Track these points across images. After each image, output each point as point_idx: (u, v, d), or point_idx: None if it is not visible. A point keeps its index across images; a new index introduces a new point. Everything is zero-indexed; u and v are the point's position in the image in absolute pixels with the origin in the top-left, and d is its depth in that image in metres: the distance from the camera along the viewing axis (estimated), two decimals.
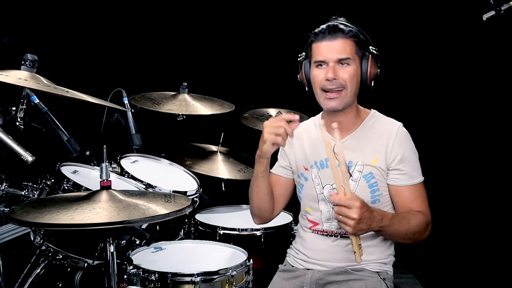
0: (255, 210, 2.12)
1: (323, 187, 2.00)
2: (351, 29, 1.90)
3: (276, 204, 2.13)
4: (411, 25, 3.64)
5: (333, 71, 1.87)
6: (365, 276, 1.94)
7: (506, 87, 3.34)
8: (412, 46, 3.68)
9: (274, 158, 2.17)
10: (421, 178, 1.95)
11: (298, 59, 2.03)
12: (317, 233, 2.02)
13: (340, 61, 1.88)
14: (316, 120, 2.12)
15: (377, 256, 1.98)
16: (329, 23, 1.92)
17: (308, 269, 2.02)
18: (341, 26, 1.90)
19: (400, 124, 1.97)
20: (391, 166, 1.92)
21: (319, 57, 1.90)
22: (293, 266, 2.09)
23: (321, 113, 2.11)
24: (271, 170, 2.18)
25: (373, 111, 2.04)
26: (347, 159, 1.95)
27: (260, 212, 2.12)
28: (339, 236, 1.98)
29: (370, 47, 1.94)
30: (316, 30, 1.93)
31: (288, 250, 2.17)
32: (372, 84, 1.96)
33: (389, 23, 3.67)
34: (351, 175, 1.95)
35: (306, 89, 2.02)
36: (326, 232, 2.00)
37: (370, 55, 1.92)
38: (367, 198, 1.91)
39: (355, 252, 1.74)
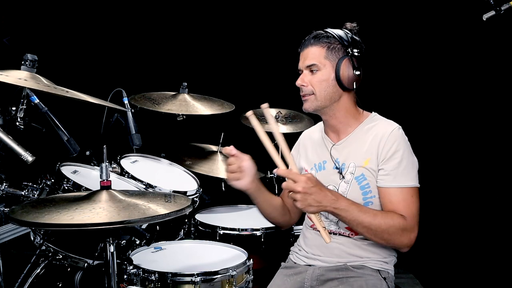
0: (273, 223, 2.24)
1: None
2: (324, 35, 1.97)
3: (296, 210, 2.18)
4: (411, 25, 3.64)
5: (301, 78, 2.00)
6: (366, 274, 1.95)
7: (506, 87, 3.34)
8: (412, 46, 3.68)
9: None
10: (411, 184, 1.90)
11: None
12: (318, 231, 2.01)
13: (310, 68, 1.98)
14: (321, 124, 2.17)
15: (378, 254, 1.99)
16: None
17: (310, 265, 2.04)
18: (316, 35, 1.99)
19: (397, 125, 1.97)
20: (379, 166, 1.92)
21: (298, 64, 2.03)
22: (295, 263, 2.10)
23: None
24: None
25: (373, 114, 2.06)
26: (340, 161, 1.99)
27: (278, 223, 2.23)
28: (338, 234, 2.00)
29: (350, 49, 1.96)
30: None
31: (292, 248, 2.20)
32: (355, 86, 1.97)
33: (389, 24, 3.67)
34: (343, 177, 1.97)
35: None
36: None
37: (345, 58, 1.95)
38: (359, 200, 1.93)
39: (319, 231, 1.80)
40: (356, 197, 1.92)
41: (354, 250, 1.98)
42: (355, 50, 1.96)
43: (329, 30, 1.99)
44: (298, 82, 1.99)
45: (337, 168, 1.99)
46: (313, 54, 1.97)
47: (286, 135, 2.54)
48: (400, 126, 1.97)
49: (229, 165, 1.96)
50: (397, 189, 1.89)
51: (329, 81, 1.96)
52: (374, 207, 1.93)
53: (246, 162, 1.97)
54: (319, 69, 1.96)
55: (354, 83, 1.97)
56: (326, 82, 1.96)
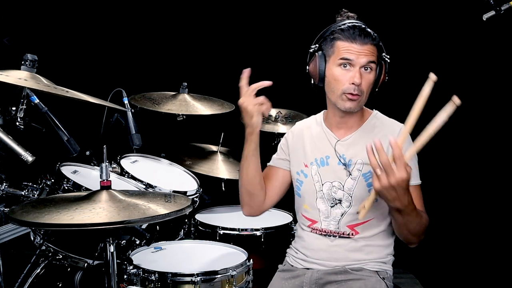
0: (245, 196, 2.08)
1: (322, 185, 1.99)
2: (375, 35, 1.90)
3: (270, 195, 2.11)
4: (410, 25, 3.65)
5: (360, 76, 1.86)
6: (365, 276, 1.94)
7: (506, 87, 3.34)
8: (411, 45, 3.68)
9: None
10: (419, 181, 1.94)
11: (310, 50, 1.98)
12: (316, 232, 2.02)
13: (366, 67, 1.88)
14: (318, 118, 2.12)
15: (376, 255, 1.98)
16: (356, 24, 1.90)
17: (308, 269, 2.02)
18: (369, 30, 1.89)
19: (402, 125, 1.96)
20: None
21: (349, 56, 1.87)
22: (292, 266, 2.09)
23: (322, 111, 2.11)
24: (269, 163, 2.18)
25: (375, 111, 2.05)
26: (347, 158, 1.97)
27: (250, 198, 2.08)
28: (337, 236, 1.98)
29: (384, 54, 1.94)
30: (343, 27, 1.89)
31: (288, 250, 2.17)
32: (377, 89, 1.97)
33: (388, 23, 3.67)
34: (350, 174, 1.95)
35: (312, 82, 1.99)
36: (325, 231, 2.00)
37: (383, 63, 1.93)
38: (365, 196, 1.91)
39: (362, 208, 1.70)
40: (363, 194, 1.91)
41: (354, 254, 1.97)
42: (387, 56, 1.96)
43: (369, 28, 1.91)
44: (358, 81, 1.86)
45: (343, 164, 1.97)
46: (372, 52, 1.88)
47: None
48: (404, 124, 1.97)
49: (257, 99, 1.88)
50: (412, 187, 1.87)
51: (373, 83, 1.92)
52: (379, 204, 1.91)
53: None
54: (372, 70, 1.89)
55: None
56: (372, 84, 1.91)
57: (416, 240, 1.88)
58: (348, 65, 1.87)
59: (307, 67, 2.01)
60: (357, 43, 1.86)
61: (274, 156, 2.19)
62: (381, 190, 1.63)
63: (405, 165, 1.60)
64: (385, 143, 1.89)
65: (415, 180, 1.93)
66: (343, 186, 1.96)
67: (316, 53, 1.95)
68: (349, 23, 1.90)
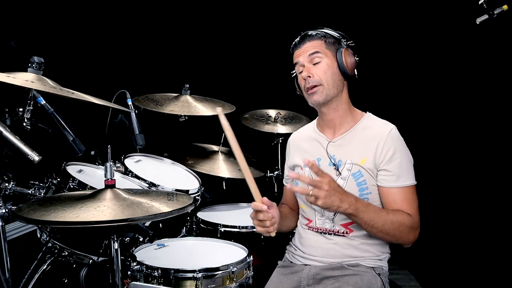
0: (288, 230, 2.23)
1: None
2: (317, 32, 2.03)
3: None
4: (405, 29, 3.67)
5: (307, 70, 2.00)
6: (361, 271, 1.98)
7: (499, 89, 3.36)
8: (406, 49, 3.71)
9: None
10: (412, 182, 1.96)
11: (292, 76, 2.13)
12: (313, 230, 2.07)
13: (313, 61, 2.00)
14: (311, 124, 2.20)
15: (373, 253, 2.02)
16: (301, 33, 2.07)
17: (306, 265, 2.07)
18: (309, 33, 2.04)
19: (393, 126, 2.01)
20: (380, 167, 1.95)
21: (297, 59, 2.05)
22: (291, 262, 2.13)
23: (316, 118, 2.19)
24: (284, 182, 2.31)
25: (368, 113, 2.10)
26: (337, 158, 2.02)
27: (288, 230, 2.23)
28: (333, 234, 2.02)
29: (344, 41, 2.04)
30: (292, 44, 2.09)
31: (287, 247, 2.22)
32: (356, 73, 2.04)
33: (384, 27, 3.70)
34: (340, 173, 2.00)
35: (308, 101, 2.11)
36: (320, 229, 2.05)
37: (343, 48, 2.02)
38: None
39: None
40: (353, 193, 1.94)
41: (349, 250, 2.01)
42: (350, 41, 2.05)
43: (319, 29, 2.06)
44: (304, 74, 2.00)
45: (333, 164, 2.01)
46: (314, 46, 2.01)
47: (285, 136, 2.57)
48: (395, 126, 2.02)
49: (264, 220, 1.84)
50: (399, 189, 1.94)
51: (334, 69, 2.00)
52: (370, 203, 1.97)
53: (275, 208, 1.91)
54: (322, 58, 2.00)
55: (355, 70, 2.03)
56: (331, 70, 2.00)
57: (401, 238, 1.91)
58: (301, 68, 2.03)
59: (297, 92, 2.15)
60: (300, 47, 2.05)
61: (285, 175, 2.30)
62: (326, 201, 1.75)
63: (324, 173, 1.78)
64: (373, 145, 1.96)
65: (406, 182, 1.95)
66: None
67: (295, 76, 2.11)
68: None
